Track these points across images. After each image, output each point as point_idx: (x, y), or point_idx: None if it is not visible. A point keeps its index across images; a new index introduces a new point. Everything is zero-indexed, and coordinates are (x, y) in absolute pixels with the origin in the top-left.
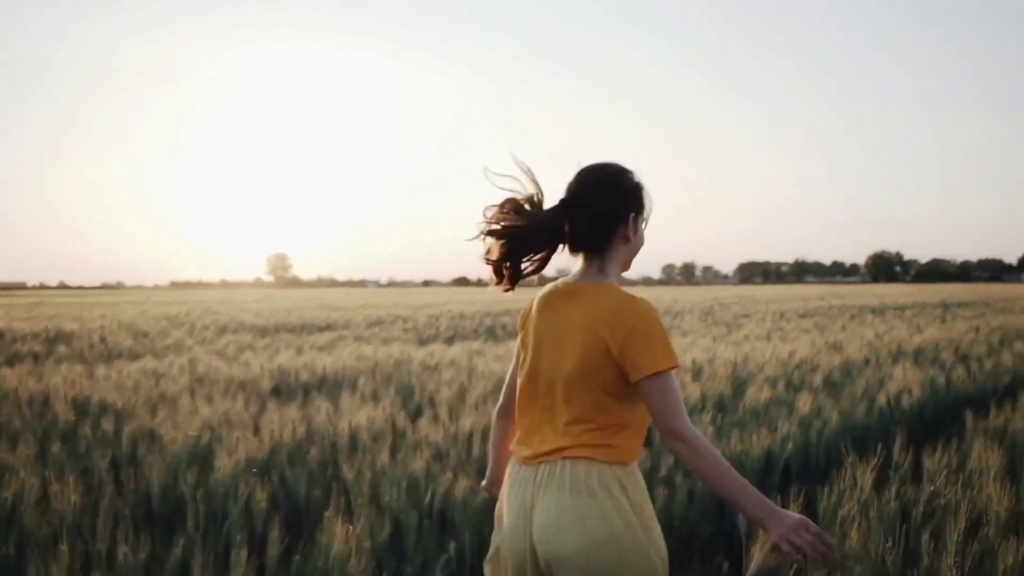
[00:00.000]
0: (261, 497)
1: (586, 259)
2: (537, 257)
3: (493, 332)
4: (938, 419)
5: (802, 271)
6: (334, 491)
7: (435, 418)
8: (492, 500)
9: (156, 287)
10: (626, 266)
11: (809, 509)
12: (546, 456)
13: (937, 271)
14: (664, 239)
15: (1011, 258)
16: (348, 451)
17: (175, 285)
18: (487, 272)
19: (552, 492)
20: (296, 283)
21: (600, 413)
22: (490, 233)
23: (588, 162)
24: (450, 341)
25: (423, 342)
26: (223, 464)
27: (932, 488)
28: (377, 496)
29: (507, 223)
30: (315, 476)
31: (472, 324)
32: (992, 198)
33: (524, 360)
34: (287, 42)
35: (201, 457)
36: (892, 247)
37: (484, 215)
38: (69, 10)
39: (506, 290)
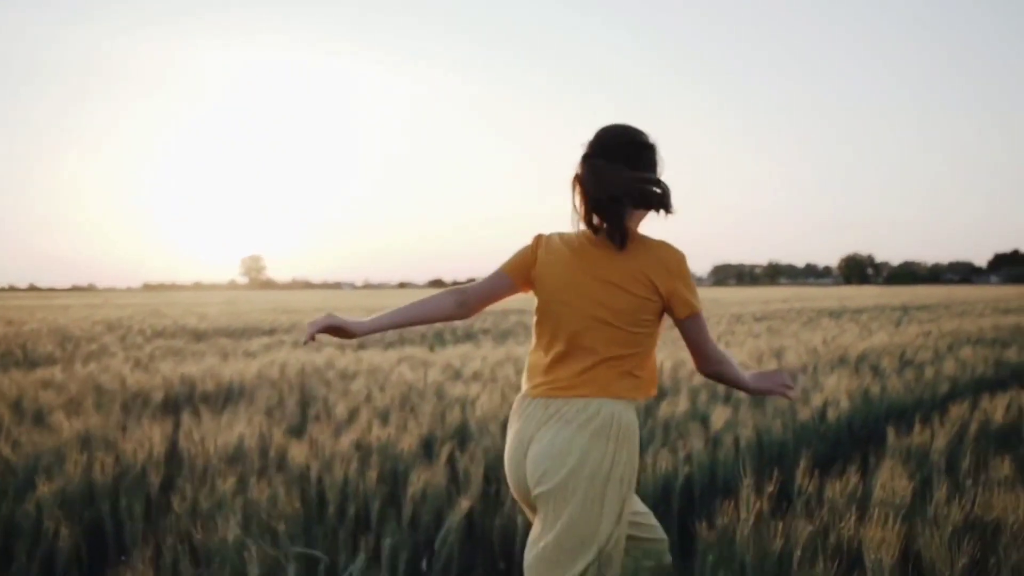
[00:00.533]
0: (65, 535)
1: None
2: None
3: (441, 337)
4: (866, 433)
5: (776, 273)
6: (158, 526)
7: (311, 438)
8: (321, 330)
9: (129, 289)
10: (636, 225)
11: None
12: (563, 390)
13: (908, 273)
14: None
15: (981, 260)
16: (196, 477)
17: (148, 287)
18: (464, 273)
19: (553, 426)
20: (270, 285)
21: (634, 348)
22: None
23: (566, 163)
24: (390, 346)
25: (361, 346)
26: (43, 492)
27: (823, 522)
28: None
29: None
30: (148, 506)
31: (423, 328)
32: (963, 202)
33: (545, 294)
34: (263, 45)
35: (28, 483)
36: (864, 250)
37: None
38: (46, 11)
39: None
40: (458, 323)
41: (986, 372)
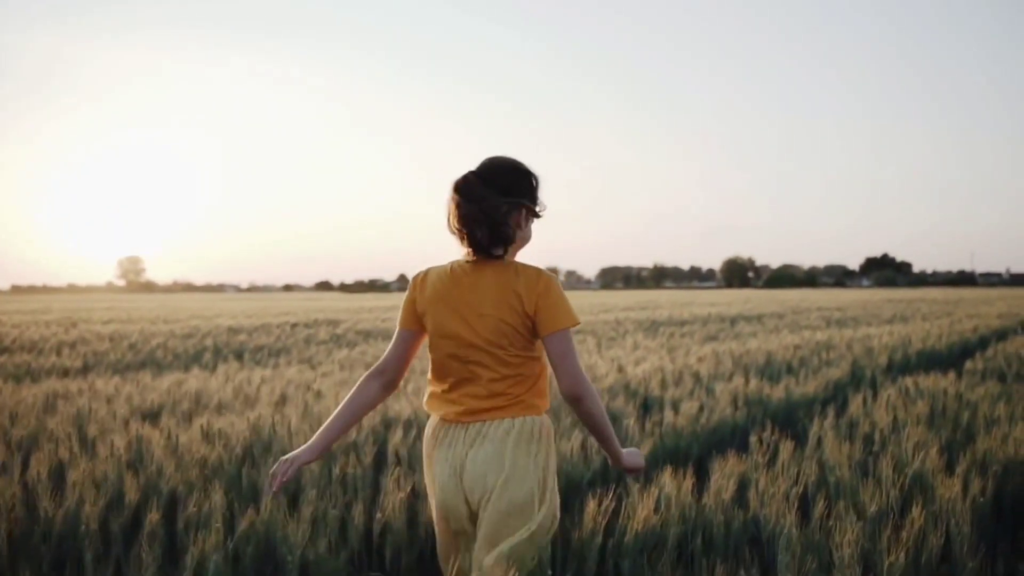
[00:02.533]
0: None
1: (476, 251)
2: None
3: (241, 355)
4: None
5: (662, 276)
6: None
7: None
8: (287, 468)
9: None
10: (512, 255)
11: None
12: (472, 416)
13: (787, 276)
14: (528, 243)
15: (854, 264)
16: None
17: (16, 289)
18: (350, 275)
19: (480, 447)
20: (150, 288)
21: (515, 370)
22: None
23: (451, 163)
24: (161, 369)
25: (121, 369)
26: None
27: None
28: None
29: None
30: None
31: (235, 341)
32: (837, 209)
33: (434, 331)
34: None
35: None
36: (745, 253)
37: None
38: None
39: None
40: (266, 340)
41: (730, 418)
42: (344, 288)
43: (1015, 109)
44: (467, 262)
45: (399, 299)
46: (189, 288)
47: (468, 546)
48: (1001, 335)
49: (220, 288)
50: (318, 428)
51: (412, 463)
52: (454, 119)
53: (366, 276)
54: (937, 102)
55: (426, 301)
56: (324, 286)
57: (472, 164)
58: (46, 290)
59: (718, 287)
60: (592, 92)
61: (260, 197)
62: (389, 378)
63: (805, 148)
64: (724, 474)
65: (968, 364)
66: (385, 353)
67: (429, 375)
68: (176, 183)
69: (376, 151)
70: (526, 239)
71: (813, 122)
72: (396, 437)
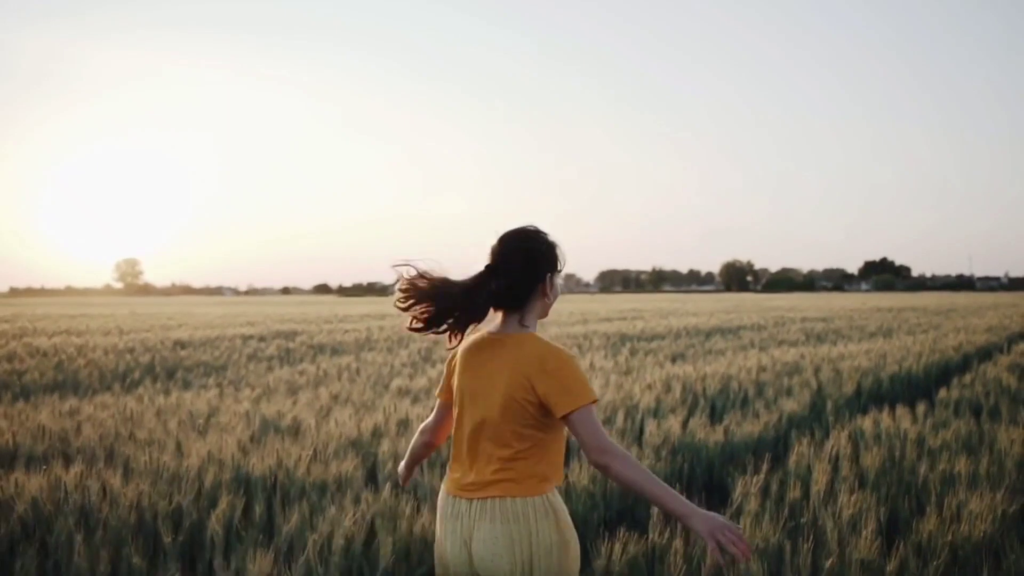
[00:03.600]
0: None
1: (506, 314)
2: (471, 317)
3: (174, 373)
4: None
5: (660, 279)
6: None
7: None
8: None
9: None
10: (544, 315)
11: None
12: (479, 491)
13: (785, 280)
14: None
15: (852, 268)
16: None
17: (14, 292)
18: (349, 277)
19: (487, 524)
20: (148, 290)
21: (523, 449)
22: (417, 293)
23: (446, 163)
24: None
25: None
26: None
27: None
28: None
29: (435, 287)
30: None
31: (173, 358)
32: (836, 213)
33: (455, 402)
34: (138, 46)
35: None
36: (744, 257)
37: (406, 277)
38: None
39: (452, 346)
40: (209, 358)
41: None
42: (342, 291)
43: (1014, 113)
44: (491, 335)
45: (383, 305)
46: (187, 291)
47: None
48: (986, 354)
49: (218, 291)
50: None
51: None
52: (452, 121)
53: (365, 279)
54: (936, 106)
55: (456, 375)
56: (322, 289)
57: (469, 167)
58: (44, 292)
59: (717, 291)
60: (590, 94)
61: (259, 199)
62: (427, 439)
63: (804, 151)
64: (606, 560)
65: (942, 393)
66: (430, 416)
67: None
68: (175, 185)
69: (375, 153)
70: (555, 297)
71: (812, 125)
72: None
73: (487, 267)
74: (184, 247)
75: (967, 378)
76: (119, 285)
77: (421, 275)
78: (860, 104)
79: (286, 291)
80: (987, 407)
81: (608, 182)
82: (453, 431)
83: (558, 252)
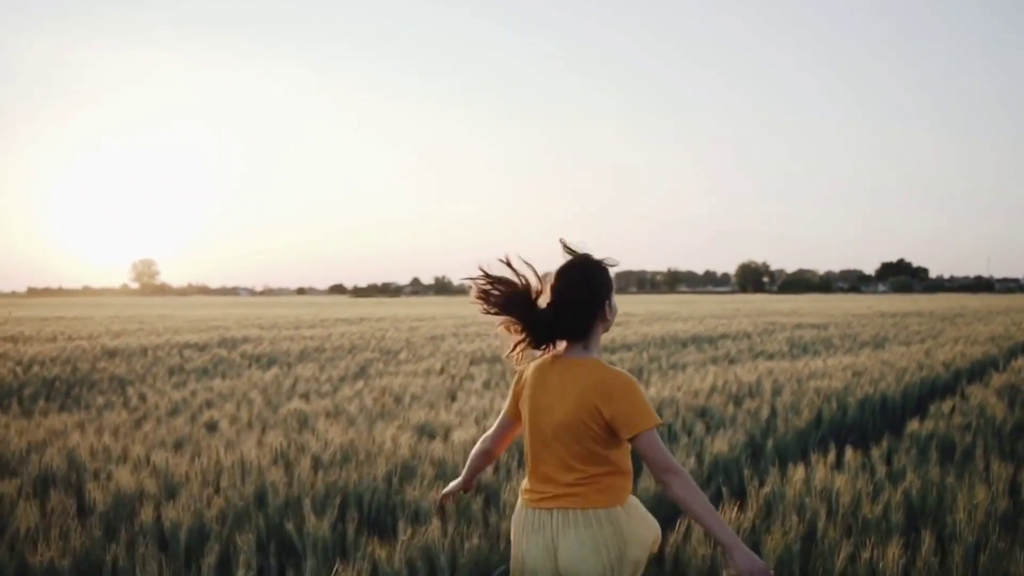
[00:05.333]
0: None
1: (571, 340)
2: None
3: (73, 387)
4: None
5: (675, 280)
6: None
7: None
8: (446, 498)
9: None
10: (605, 331)
11: None
12: (558, 502)
13: (801, 281)
14: (543, 248)
15: (869, 269)
16: None
17: (32, 292)
18: (364, 278)
19: (572, 531)
20: (164, 290)
21: (594, 463)
22: (492, 303)
23: (460, 165)
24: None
25: None
26: None
27: None
28: None
29: (510, 309)
30: None
31: (97, 369)
32: (853, 213)
33: (525, 419)
34: (153, 46)
35: None
36: (760, 258)
37: (485, 284)
38: None
39: (518, 362)
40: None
41: None
42: (356, 292)
43: None
44: (556, 359)
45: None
46: (204, 291)
47: None
48: (980, 370)
49: (234, 291)
50: None
51: None
52: (466, 124)
53: (380, 279)
54: (955, 106)
55: (523, 397)
56: (337, 289)
57: (484, 170)
58: (61, 292)
59: (732, 292)
60: (604, 98)
61: (276, 201)
62: (487, 448)
63: (821, 152)
64: None
65: (913, 425)
66: (492, 427)
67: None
68: (192, 186)
69: (390, 156)
70: (614, 317)
71: (828, 127)
72: None
73: (551, 304)
74: (202, 248)
75: (949, 404)
76: (135, 285)
77: (494, 282)
78: (878, 106)
79: (301, 292)
80: (961, 446)
81: (622, 184)
82: (527, 449)
83: (611, 273)
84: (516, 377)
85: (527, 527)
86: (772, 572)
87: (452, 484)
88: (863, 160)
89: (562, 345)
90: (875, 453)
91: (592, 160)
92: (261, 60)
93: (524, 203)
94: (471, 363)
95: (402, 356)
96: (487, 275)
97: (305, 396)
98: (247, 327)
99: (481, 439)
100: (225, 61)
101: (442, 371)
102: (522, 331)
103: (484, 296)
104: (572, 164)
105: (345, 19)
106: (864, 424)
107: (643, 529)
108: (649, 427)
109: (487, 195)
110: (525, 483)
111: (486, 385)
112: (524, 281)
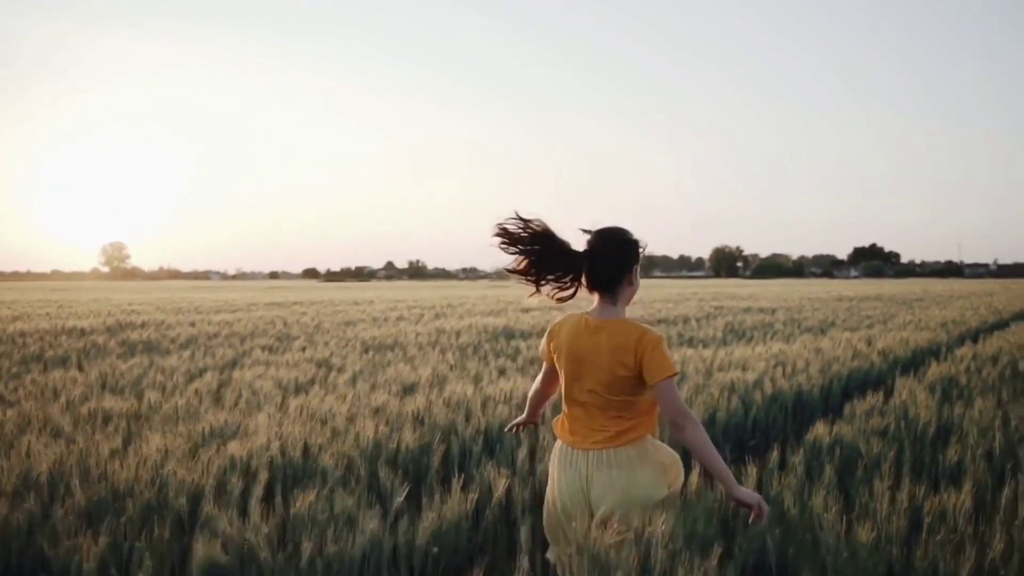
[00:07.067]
0: None
1: (601, 297)
2: (565, 284)
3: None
4: None
5: (650, 265)
6: None
7: None
8: (514, 428)
9: None
10: (628, 302)
11: None
12: (593, 445)
13: (774, 266)
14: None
15: (842, 254)
16: None
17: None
18: (338, 262)
19: (604, 470)
20: (135, 274)
21: (626, 407)
22: (520, 241)
23: (435, 151)
24: None
25: None
26: None
27: None
28: None
29: (539, 240)
30: None
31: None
32: (827, 199)
33: (562, 371)
34: (125, 31)
35: None
36: (734, 243)
37: (511, 225)
38: None
39: (532, 294)
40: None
41: None
42: (329, 276)
43: (1005, 103)
44: (590, 317)
45: (341, 291)
46: (175, 275)
47: (572, 540)
48: (920, 359)
49: (206, 275)
50: None
51: None
52: (443, 108)
53: (353, 264)
54: (927, 95)
55: (557, 350)
56: (311, 273)
57: (460, 153)
58: (30, 276)
59: (706, 276)
60: (581, 81)
61: (249, 185)
62: (541, 390)
63: (796, 139)
64: None
65: (818, 429)
66: (538, 378)
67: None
68: (164, 170)
69: (365, 140)
70: (637, 287)
71: (804, 114)
72: None
73: (585, 251)
74: (175, 232)
75: (871, 400)
76: (106, 269)
77: (525, 223)
78: (851, 93)
79: (274, 276)
80: (868, 456)
81: (599, 169)
82: (564, 396)
83: (641, 250)
84: (548, 331)
85: (563, 464)
86: (763, 501)
87: (519, 419)
88: (838, 147)
89: (594, 305)
90: (755, 469)
91: (569, 145)
92: (235, 44)
93: (500, 187)
94: (365, 351)
95: (297, 344)
96: (520, 216)
97: (122, 392)
98: (164, 312)
99: (532, 389)
100: (198, 46)
101: (321, 363)
102: (558, 273)
103: (515, 235)
104: (549, 149)
105: (317, 3)
106: (766, 426)
107: (670, 466)
108: (669, 375)
109: (463, 180)
110: (559, 423)
111: (352, 380)
112: (547, 228)
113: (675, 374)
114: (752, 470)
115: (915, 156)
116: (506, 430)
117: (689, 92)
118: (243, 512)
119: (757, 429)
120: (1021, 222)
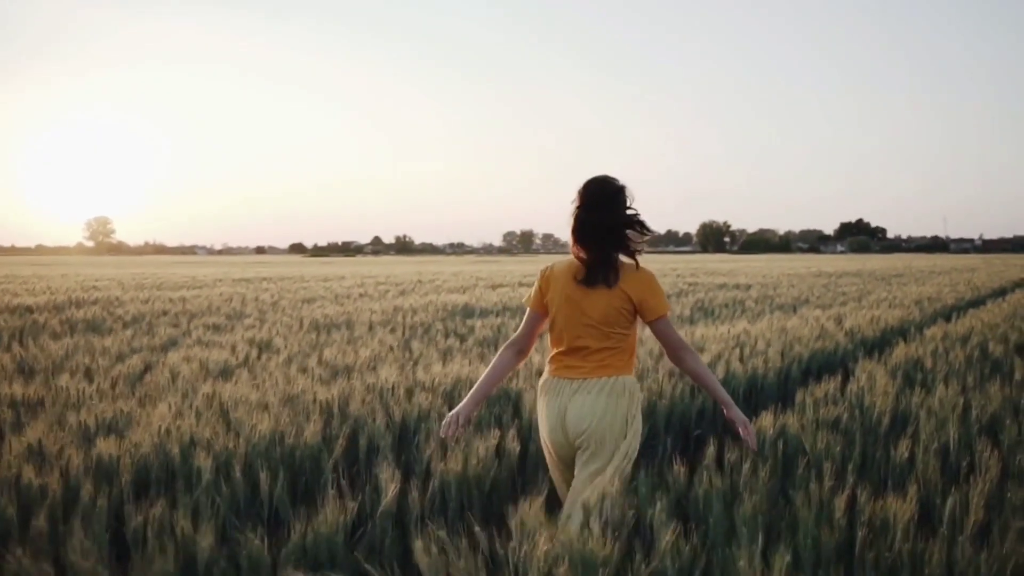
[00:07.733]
0: None
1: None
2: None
3: None
4: None
5: None
6: None
7: None
8: (455, 422)
9: None
10: (637, 251)
11: None
12: (582, 374)
13: (762, 241)
14: (505, 206)
15: (829, 229)
16: None
17: None
18: (324, 237)
19: (580, 396)
20: (120, 249)
21: (618, 342)
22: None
23: (416, 128)
24: None
25: None
26: None
27: None
28: None
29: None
30: None
31: None
32: (814, 174)
33: (557, 310)
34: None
35: None
36: (721, 218)
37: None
38: None
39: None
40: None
41: None
42: (316, 251)
43: (991, 80)
44: (582, 259)
45: (323, 267)
46: (160, 250)
47: (569, 467)
48: (887, 339)
49: (191, 250)
50: None
51: None
52: (429, 84)
53: (340, 239)
54: (914, 71)
55: (551, 291)
56: (298, 248)
57: (445, 131)
58: (14, 251)
59: (694, 251)
60: (565, 57)
61: (235, 160)
62: (521, 347)
63: (783, 114)
64: None
65: (764, 420)
66: (519, 329)
67: (550, 341)
68: (150, 145)
69: (352, 117)
70: (642, 239)
71: (791, 90)
72: None
73: (578, 206)
74: (161, 207)
75: (826, 386)
76: (91, 244)
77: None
78: (839, 68)
79: (260, 250)
80: (813, 453)
81: (585, 144)
82: (557, 331)
83: (627, 192)
84: (540, 275)
85: (548, 393)
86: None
87: (457, 409)
88: (826, 123)
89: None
90: (681, 469)
91: (556, 120)
92: (225, 21)
93: (487, 163)
94: (312, 329)
95: (247, 323)
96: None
97: (34, 375)
98: (125, 288)
99: (506, 345)
100: (186, 23)
101: (260, 344)
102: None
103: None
104: (536, 124)
105: None
106: (718, 414)
107: (637, 412)
108: (666, 312)
109: (449, 154)
110: (550, 359)
111: (287, 362)
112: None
113: (668, 311)
114: (680, 470)
115: (902, 132)
116: (442, 434)
117: (676, 68)
118: (66, 531)
119: (703, 418)
120: (1006, 198)
